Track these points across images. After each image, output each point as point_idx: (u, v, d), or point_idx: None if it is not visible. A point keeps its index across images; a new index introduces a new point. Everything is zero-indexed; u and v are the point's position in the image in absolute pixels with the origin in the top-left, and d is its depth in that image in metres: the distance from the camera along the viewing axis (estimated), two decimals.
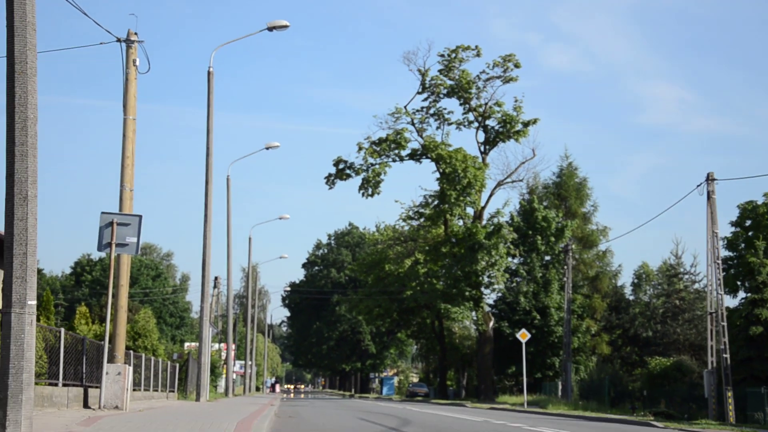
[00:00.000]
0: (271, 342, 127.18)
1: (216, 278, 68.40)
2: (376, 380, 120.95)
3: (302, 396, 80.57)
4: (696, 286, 64.25)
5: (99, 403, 19.83)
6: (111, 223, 19.29)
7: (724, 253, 51.10)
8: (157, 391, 33.86)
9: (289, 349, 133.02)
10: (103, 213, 19.39)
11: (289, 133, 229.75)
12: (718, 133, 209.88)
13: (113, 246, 19.24)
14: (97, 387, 20.94)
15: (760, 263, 45.84)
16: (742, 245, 51.48)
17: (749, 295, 46.57)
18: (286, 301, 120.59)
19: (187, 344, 67.41)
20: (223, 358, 60.47)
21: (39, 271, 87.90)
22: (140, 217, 19.48)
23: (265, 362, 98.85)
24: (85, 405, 20.43)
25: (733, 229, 53.28)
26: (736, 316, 46.85)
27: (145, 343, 36.68)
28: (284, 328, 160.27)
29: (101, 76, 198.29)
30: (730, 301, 60.97)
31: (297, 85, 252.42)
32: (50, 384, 18.39)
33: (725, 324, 36.15)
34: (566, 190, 69.28)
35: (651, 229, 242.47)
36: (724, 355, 35.41)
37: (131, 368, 22.17)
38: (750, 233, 51.78)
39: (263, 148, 45.59)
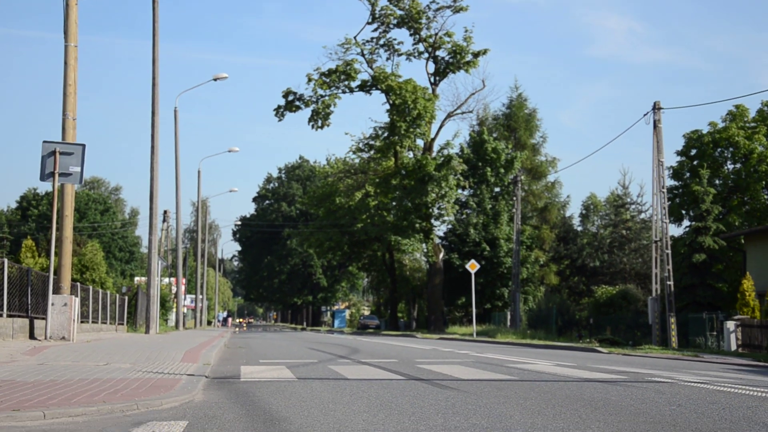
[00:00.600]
0: (222, 276, 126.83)
1: (165, 212, 67.75)
2: (328, 313, 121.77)
3: (257, 330, 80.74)
4: (642, 216, 65.23)
5: (45, 334, 19.62)
6: (53, 153, 18.87)
7: (670, 182, 51.87)
8: (105, 323, 33.65)
9: (240, 284, 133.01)
10: (45, 142, 18.95)
11: (239, 66, 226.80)
12: (667, 64, 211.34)
13: (56, 176, 18.86)
14: (43, 318, 20.71)
15: (704, 192, 46.59)
16: (687, 174, 52.26)
17: (693, 223, 47.41)
18: (237, 236, 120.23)
19: (137, 279, 66.91)
20: (174, 292, 60.22)
21: None
22: (83, 146, 19.06)
23: (216, 296, 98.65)
24: (32, 336, 20.21)
25: (678, 158, 54.03)
26: (680, 244, 47.73)
27: (93, 276, 36.39)
28: (235, 263, 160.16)
29: (42, 6, 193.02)
30: (675, 230, 62.02)
31: (246, 16, 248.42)
32: None
33: (669, 252, 36.77)
34: (516, 122, 69.41)
35: (599, 159, 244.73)
36: (668, 283, 36.07)
37: (78, 300, 21.91)
38: (695, 162, 52.52)
39: (211, 80, 44.92)
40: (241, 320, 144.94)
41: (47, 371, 10.84)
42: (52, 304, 19.89)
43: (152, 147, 32.68)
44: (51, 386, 8.92)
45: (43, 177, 18.91)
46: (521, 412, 7.73)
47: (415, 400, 8.63)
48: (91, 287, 30.64)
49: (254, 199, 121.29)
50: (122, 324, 38.98)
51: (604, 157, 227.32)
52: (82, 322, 27.76)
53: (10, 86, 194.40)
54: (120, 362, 13.11)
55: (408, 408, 7.97)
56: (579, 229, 69.36)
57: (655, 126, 35.58)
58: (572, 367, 15.01)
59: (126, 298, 41.85)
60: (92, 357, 14.24)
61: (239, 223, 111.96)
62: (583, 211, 70.06)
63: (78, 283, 27.32)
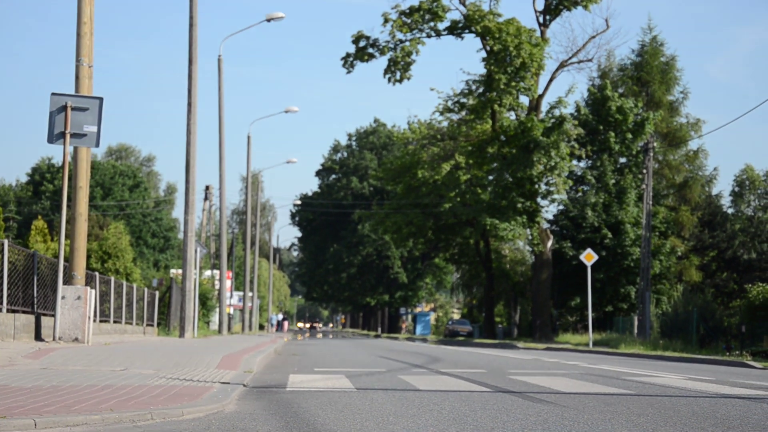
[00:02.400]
0: (277, 269, 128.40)
1: (207, 187, 68.94)
2: (408, 317, 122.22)
3: (319, 336, 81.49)
4: None
5: (54, 334, 20.11)
6: (65, 108, 19.24)
7: None
8: (131, 324, 34.38)
9: (300, 279, 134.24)
10: (53, 95, 19.30)
11: (298, 4, 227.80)
12: None
13: (67, 136, 19.23)
14: (52, 315, 21.21)
15: None
16: None
17: None
18: (296, 219, 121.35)
19: (173, 271, 68.21)
20: (217, 288, 61.17)
21: None
22: (101, 99, 19.41)
23: (270, 294, 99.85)
24: (38, 337, 20.75)
25: None
26: None
27: (116, 264, 37.19)
28: (294, 253, 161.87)
29: None
30: None
31: None
32: None
33: None
34: (648, 73, 68.43)
35: (758, 121, 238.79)
36: None
37: (95, 292, 22.45)
38: None
39: (264, 21, 45.31)
40: (301, 324, 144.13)
41: (50, 376, 11.15)
42: (63, 298, 20.35)
43: (189, 104, 33.17)
44: (51, 392, 9.18)
45: (52, 138, 19.30)
46: (630, 429, 7.68)
47: (499, 415, 8.66)
48: (113, 278, 31.28)
49: (317, 173, 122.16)
50: (152, 325, 39.74)
51: (764, 119, 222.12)
52: (101, 321, 28.41)
53: (21, 34, 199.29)
54: (141, 368, 13.40)
55: (487, 423, 8.00)
56: (730, 211, 68.26)
57: None
58: (708, 382, 14.84)
59: (157, 293, 42.63)
60: (108, 362, 14.58)
61: (299, 202, 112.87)
62: (736, 189, 68.92)
63: (96, 273, 27.92)
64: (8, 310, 19.40)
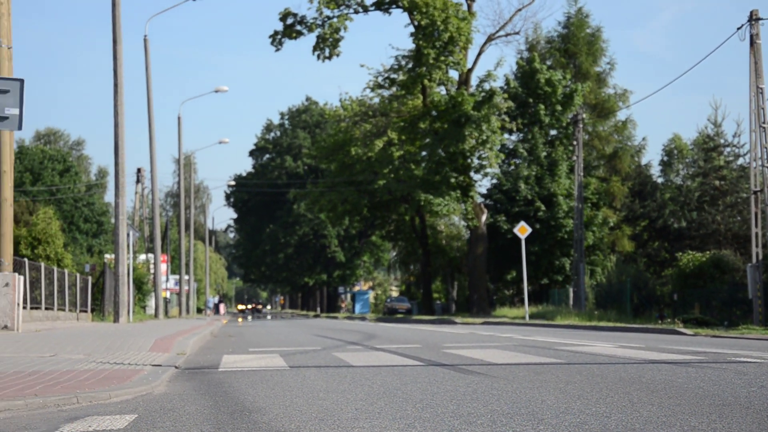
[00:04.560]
0: (214, 252, 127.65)
1: (139, 170, 68.17)
2: (347, 296, 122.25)
3: (268, 318, 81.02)
4: (740, 161, 64.61)
5: None
6: None
7: None
8: (63, 311, 34.03)
9: (237, 261, 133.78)
10: None
11: None
12: None
13: None
14: None
15: None
16: None
17: None
18: (231, 200, 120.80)
19: (107, 256, 67.48)
20: (152, 272, 60.69)
21: None
22: (21, 81, 19.01)
23: (207, 277, 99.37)
24: None
25: None
26: None
27: (47, 251, 36.72)
28: (230, 235, 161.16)
29: None
30: None
31: None
32: None
33: None
34: (575, 45, 68.80)
35: (683, 91, 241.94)
36: None
37: (25, 279, 22.17)
38: None
39: None
40: (241, 307, 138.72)
41: None
42: None
43: (115, 84, 32.85)
44: None
45: None
46: (557, 396, 7.76)
47: (429, 387, 8.69)
48: (43, 264, 30.93)
49: (251, 153, 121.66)
50: (85, 311, 39.37)
51: (689, 88, 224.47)
52: (32, 308, 28.08)
53: None
54: (71, 353, 13.28)
55: (416, 395, 8.02)
56: (659, 180, 68.86)
57: (752, 42, 35.16)
58: (638, 349, 15.04)
59: (90, 279, 42.19)
60: (37, 348, 14.43)
61: (233, 183, 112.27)
62: (665, 158, 69.49)
63: (26, 259, 27.60)
64: None
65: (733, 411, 6.81)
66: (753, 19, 35.08)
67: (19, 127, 19.25)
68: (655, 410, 6.86)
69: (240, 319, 66.90)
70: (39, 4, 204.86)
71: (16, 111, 18.98)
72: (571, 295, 52.70)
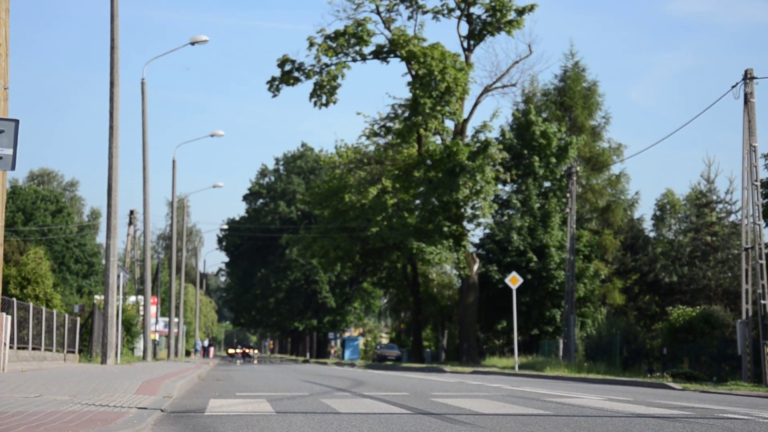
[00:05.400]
0: (204, 295, 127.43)
1: (132, 212, 68.12)
2: (337, 342, 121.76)
3: (256, 362, 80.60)
4: (732, 217, 64.75)
5: None
6: None
7: (766, 173, 51.47)
8: (50, 351, 33.81)
9: (227, 305, 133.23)
10: None
11: (223, 29, 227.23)
12: (763, 26, 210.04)
13: None
14: None
15: None
16: None
17: None
18: (224, 243, 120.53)
19: (97, 297, 67.24)
20: (142, 314, 60.44)
21: None
22: (17, 122, 19.06)
23: (197, 320, 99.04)
24: None
25: None
26: None
27: (36, 290, 36.54)
28: (221, 278, 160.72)
29: None
30: None
31: None
32: None
33: (764, 262, 36.44)
34: (571, 98, 69.12)
35: (677, 147, 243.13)
36: (763, 302, 35.75)
37: (12, 319, 22.07)
38: None
39: (188, 44, 45.18)
40: (232, 350, 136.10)
41: None
42: None
43: (111, 127, 32.92)
44: None
45: None
46: None
47: None
48: (32, 304, 30.76)
49: (245, 198, 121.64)
50: (73, 352, 39.14)
51: (683, 144, 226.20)
52: (19, 348, 27.89)
53: None
54: (57, 394, 13.19)
55: None
56: (651, 234, 68.94)
57: (746, 101, 35.35)
58: (626, 402, 14.97)
59: (79, 319, 41.98)
60: (23, 388, 14.33)
61: (226, 227, 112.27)
62: (657, 213, 69.64)
63: (14, 299, 27.45)
64: None
65: None
66: (747, 77, 35.29)
67: (12, 168, 19.25)
68: None
69: (238, 361, 66.80)
70: (36, 45, 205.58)
71: (10, 151, 18.98)
72: (561, 346, 52.55)
